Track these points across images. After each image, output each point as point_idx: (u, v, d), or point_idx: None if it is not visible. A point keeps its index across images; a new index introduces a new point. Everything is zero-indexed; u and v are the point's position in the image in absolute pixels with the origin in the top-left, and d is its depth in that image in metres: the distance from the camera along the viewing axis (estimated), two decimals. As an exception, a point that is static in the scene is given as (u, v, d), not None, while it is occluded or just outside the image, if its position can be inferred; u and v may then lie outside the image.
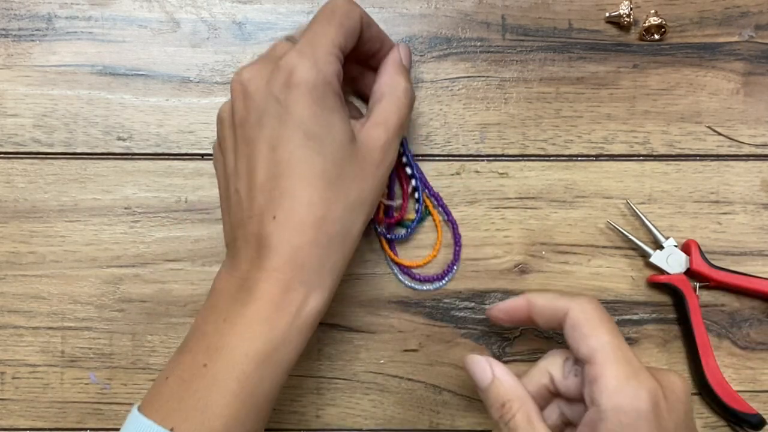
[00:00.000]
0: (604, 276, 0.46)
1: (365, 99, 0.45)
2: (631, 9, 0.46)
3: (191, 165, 0.46)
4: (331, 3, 0.38)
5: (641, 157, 0.46)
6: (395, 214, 0.45)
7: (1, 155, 0.46)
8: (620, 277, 0.46)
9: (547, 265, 0.46)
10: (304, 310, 0.36)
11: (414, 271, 0.46)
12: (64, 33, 0.47)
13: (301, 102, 0.36)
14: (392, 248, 0.46)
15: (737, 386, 0.45)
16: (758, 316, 0.46)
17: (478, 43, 0.47)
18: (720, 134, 0.46)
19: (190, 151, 0.46)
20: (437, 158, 0.46)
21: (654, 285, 0.46)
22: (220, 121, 0.39)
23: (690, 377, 0.45)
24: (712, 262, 0.45)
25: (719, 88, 0.47)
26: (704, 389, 0.44)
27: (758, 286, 0.45)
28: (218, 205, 0.41)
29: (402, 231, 0.46)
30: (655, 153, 0.46)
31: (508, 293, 0.46)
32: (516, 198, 0.46)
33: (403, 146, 0.45)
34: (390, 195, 0.46)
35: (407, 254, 0.46)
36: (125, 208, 0.46)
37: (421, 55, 0.46)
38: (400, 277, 0.46)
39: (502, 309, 0.40)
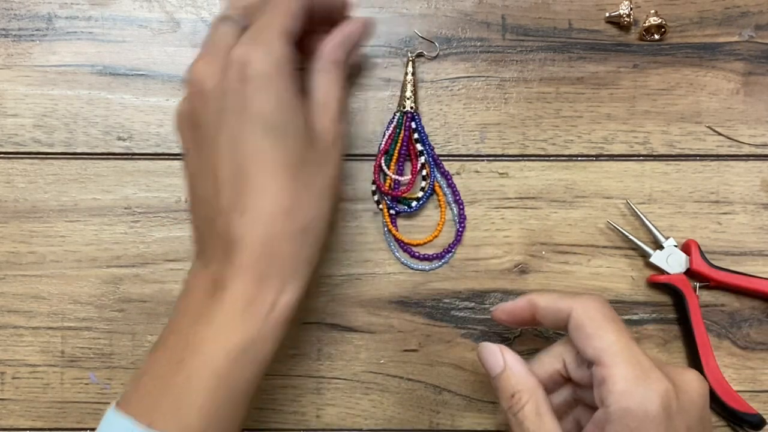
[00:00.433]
0: (604, 276, 0.46)
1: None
2: (631, 9, 0.46)
3: (191, 165, 0.46)
4: None
5: (641, 157, 0.46)
6: (402, 188, 0.45)
7: (1, 155, 0.46)
8: (620, 277, 0.46)
9: (547, 265, 0.46)
10: (279, 303, 0.35)
11: (413, 249, 0.46)
12: (64, 33, 0.47)
13: (258, 95, 0.35)
14: (394, 223, 0.46)
15: (737, 386, 0.45)
16: (758, 316, 0.46)
17: (478, 43, 0.47)
18: (720, 134, 0.46)
19: (190, 151, 0.46)
20: (437, 158, 0.46)
21: (654, 285, 0.46)
22: (179, 121, 0.39)
23: (690, 377, 0.45)
24: (712, 262, 0.45)
25: (719, 88, 0.47)
26: (704, 389, 0.45)
27: (758, 286, 0.45)
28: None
29: (405, 207, 0.46)
30: (655, 153, 0.46)
31: (508, 293, 0.46)
32: (516, 198, 0.46)
33: (416, 121, 0.44)
34: (399, 170, 0.46)
35: (407, 236, 0.46)
36: (125, 208, 0.46)
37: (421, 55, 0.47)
38: (397, 254, 0.46)
39: (505, 311, 0.40)
